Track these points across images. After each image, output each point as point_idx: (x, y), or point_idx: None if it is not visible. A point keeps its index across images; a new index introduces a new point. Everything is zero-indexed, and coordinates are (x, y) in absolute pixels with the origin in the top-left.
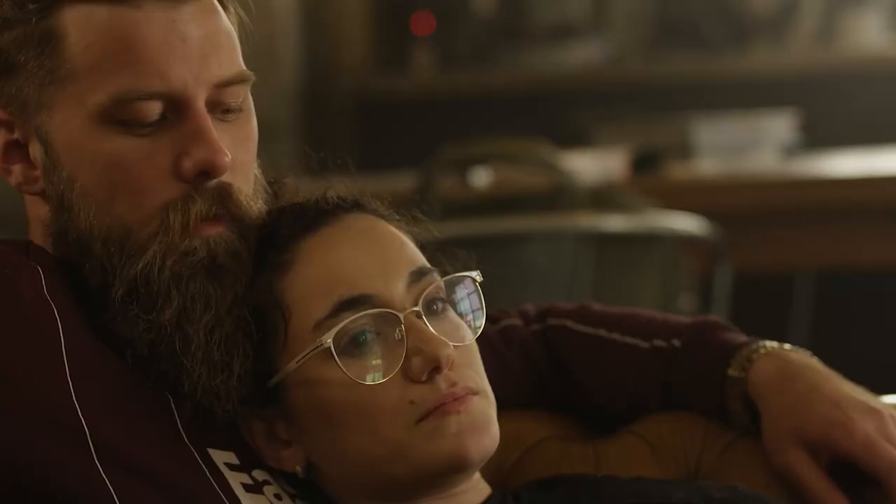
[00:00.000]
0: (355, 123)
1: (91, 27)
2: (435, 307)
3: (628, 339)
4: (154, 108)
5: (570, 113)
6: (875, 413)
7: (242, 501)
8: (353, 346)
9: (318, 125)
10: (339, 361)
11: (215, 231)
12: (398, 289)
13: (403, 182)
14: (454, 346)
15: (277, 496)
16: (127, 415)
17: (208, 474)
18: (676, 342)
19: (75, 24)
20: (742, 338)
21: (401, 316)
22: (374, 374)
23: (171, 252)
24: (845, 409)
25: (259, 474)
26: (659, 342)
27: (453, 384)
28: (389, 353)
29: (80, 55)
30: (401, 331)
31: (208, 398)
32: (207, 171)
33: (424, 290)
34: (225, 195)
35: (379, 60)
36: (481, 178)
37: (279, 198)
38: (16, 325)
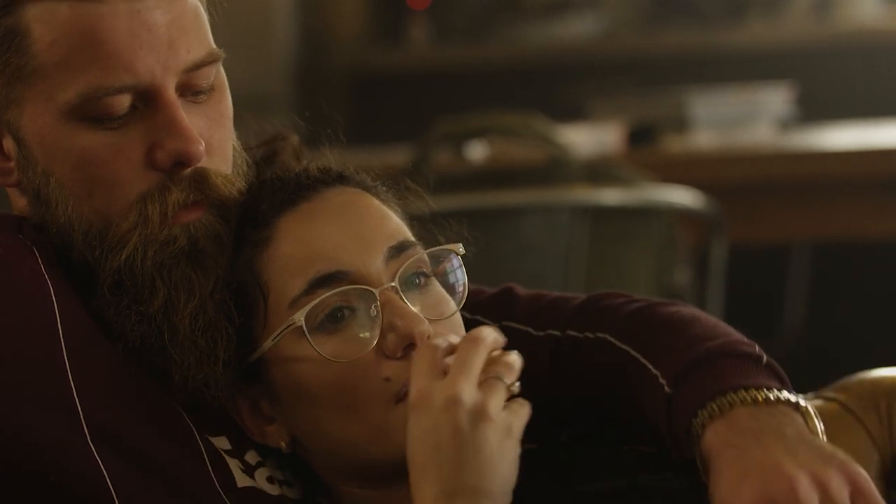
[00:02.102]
0: (351, 97)
1: (54, 23)
2: (417, 281)
3: (653, 371)
4: (124, 101)
5: (565, 86)
6: (775, 477)
7: (238, 484)
8: (329, 322)
9: (313, 99)
10: (310, 339)
11: (195, 216)
12: (375, 264)
13: (399, 156)
14: (435, 320)
15: (269, 479)
16: (123, 396)
17: (206, 457)
18: (670, 389)
19: (38, 21)
20: (723, 384)
21: (376, 292)
22: (348, 351)
23: (151, 243)
24: (746, 474)
25: (251, 457)
26: (663, 380)
27: None
28: (365, 330)
29: (45, 52)
30: (377, 307)
31: (198, 387)
32: (182, 162)
33: (403, 264)
34: (201, 180)
35: (375, 34)
36: (477, 151)
37: (277, 155)
38: (12, 303)
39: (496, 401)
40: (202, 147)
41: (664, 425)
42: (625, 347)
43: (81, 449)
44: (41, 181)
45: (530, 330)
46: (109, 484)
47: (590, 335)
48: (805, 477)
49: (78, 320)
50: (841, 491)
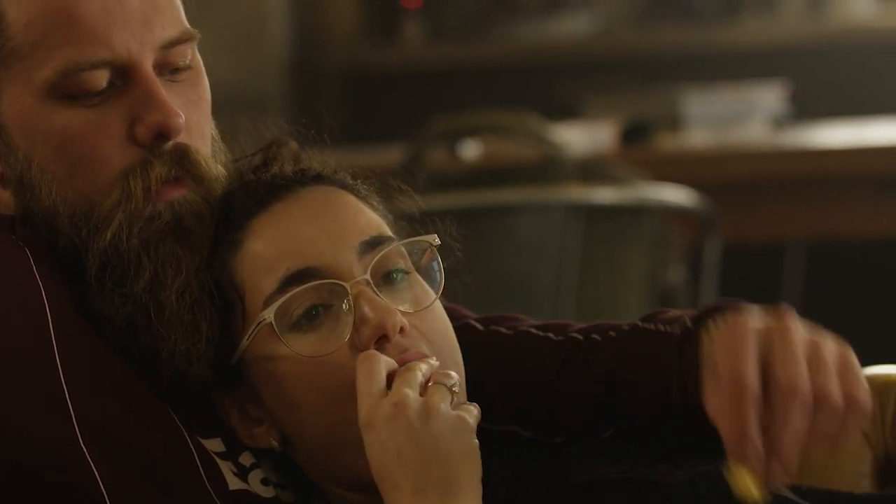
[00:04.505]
0: (345, 96)
1: (29, 4)
2: (393, 276)
3: (665, 329)
4: (101, 77)
5: (559, 85)
6: (770, 324)
7: (230, 487)
8: (305, 321)
9: (307, 97)
10: (281, 337)
11: (178, 193)
12: (346, 259)
13: (393, 154)
14: (413, 312)
15: (264, 481)
16: (115, 398)
17: (197, 459)
18: (668, 326)
19: (12, 3)
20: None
21: (347, 286)
22: (321, 348)
23: (136, 219)
24: (740, 325)
25: (246, 459)
26: (677, 326)
27: (404, 350)
28: (339, 325)
29: (20, 33)
30: (349, 301)
31: (183, 362)
32: (163, 134)
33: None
34: (183, 156)
35: (369, 32)
36: (471, 150)
37: (273, 162)
38: (3, 303)
39: (440, 398)
40: (182, 119)
41: (674, 365)
42: (633, 323)
43: (73, 451)
44: (23, 167)
45: (550, 335)
46: (101, 486)
47: (597, 336)
48: (799, 329)
49: (69, 321)
50: (832, 352)
